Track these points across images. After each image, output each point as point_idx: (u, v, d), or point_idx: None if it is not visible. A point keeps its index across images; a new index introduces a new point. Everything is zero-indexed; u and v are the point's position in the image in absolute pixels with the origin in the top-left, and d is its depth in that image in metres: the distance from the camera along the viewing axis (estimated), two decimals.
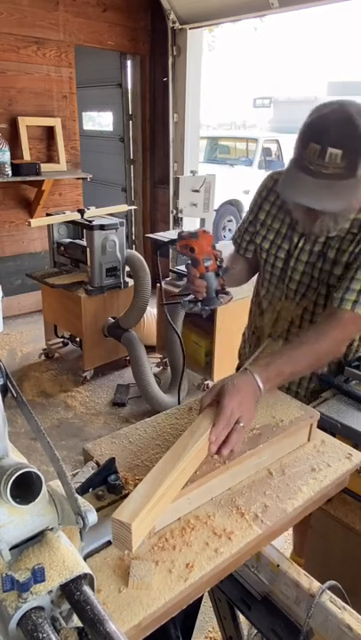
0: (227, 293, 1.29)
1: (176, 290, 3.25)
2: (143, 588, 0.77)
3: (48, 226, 3.53)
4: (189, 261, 1.27)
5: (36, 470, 0.62)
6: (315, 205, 1.18)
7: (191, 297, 1.32)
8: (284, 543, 2.01)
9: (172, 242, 1.32)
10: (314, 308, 1.39)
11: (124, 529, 0.75)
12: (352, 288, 1.23)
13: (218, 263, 1.27)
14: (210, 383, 3.40)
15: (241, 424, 0.98)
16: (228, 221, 8.27)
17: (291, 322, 1.46)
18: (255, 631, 1.18)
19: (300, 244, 1.37)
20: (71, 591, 0.59)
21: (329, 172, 1.11)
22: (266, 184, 1.48)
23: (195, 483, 0.91)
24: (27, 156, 4.19)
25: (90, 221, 3.20)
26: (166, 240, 1.48)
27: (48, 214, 3.47)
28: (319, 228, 1.28)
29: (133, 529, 0.75)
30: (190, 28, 4.38)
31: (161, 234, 3.74)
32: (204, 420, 0.99)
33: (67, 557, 0.62)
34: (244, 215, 1.56)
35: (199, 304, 1.30)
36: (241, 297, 1.63)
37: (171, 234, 3.66)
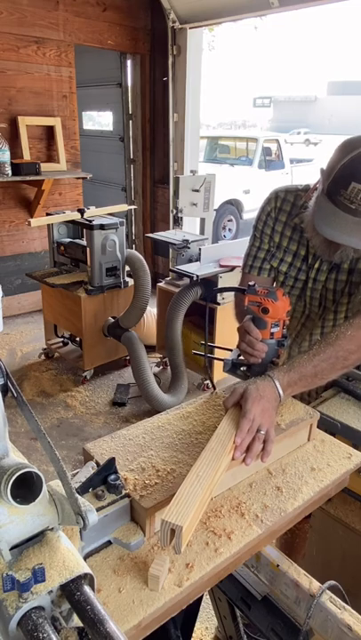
0: (276, 365, 1.17)
1: (175, 289, 3.25)
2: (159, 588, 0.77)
3: (48, 225, 3.53)
4: (252, 317, 1.14)
5: (36, 470, 0.62)
6: (350, 243, 1.15)
7: (236, 356, 1.22)
8: None
9: (239, 289, 1.20)
10: (334, 316, 1.40)
11: (174, 530, 0.75)
12: None
13: (284, 332, 1.16)
14: (210, 383, 3.40)
15: (262, 432, 0.97)
16: (229, 221, 8.27)
17: (311, 333, 1.46)
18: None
19: (316, 265, 1.36)
20: (71, 591, 0.59)
21: None
22: (275, 204, 1.41)
23: None
24: (27, 156, 4.19)
25: (90, 221, 3.20)
26: (231, 287, 1.29)
27: (48, 214, 3.47)
28: (339, 257, 1.27)
29: (185, 531, 0.74)
30: (190, 28, 4.38)
31: (161, 233, 3.74)
32: (231, 423, 0.99)
33: (67, 557, 0.62)
34: (251, 237, 1.49)
35: (244, 368, 1.20)
36: None
37: (170, 233, 3.65)
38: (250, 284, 1.15)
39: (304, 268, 1.39)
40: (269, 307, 1.10)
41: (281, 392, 1.05)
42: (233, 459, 0.94)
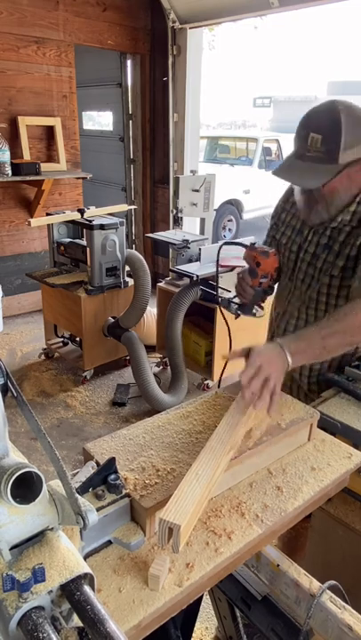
0: (262, 308, 1.48)
1: (175, 289, 3.26)
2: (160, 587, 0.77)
3: (48, 225, 3.53)
4: (247, 267, 1.42)
5: (36, 470, 0.62)
6: (292, 181, 1.34)
7: (233, 296, 1.50)
8: None
9: (244, 245, 1.44)
10: (318, 296, 1.43)
11: (172, 529, 0.74)
12: None
13: (270, 283, 1.44)
14: (210, 383, 3.40)
15: (272, 383, 0.98)
16: (229, 221, 8.27)
17: (298, 315, 1.50)
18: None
19: (309, 237, 1.43)
20: (71, 591, 0.59)
21: (311, 155, 1.23)
22: (291, 187, 1.54)
23: None
24: (27, 156, 4.19)
25: (90, 221, 3.20)
26: (233, 241, 1.67)
27: (48, 214, 3.47)
28: (316, 217, 1.36)
29: (183, 530, 0.74)
30: (190, 28, 4.38)
31: (161, 233, 3.74)
32: (232, 422, 0.99)
33: (67, 557, 0.62)
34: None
35: (235, 306, 1.49)
36: None
37: (170, 233, 3.65)
38: (252, 242, 1.44)
39: (297, 240, 1.48)
40: (261, 262, 1.38)
41: (290, 358, 1.07)
42: (243, 397, 0.95)
